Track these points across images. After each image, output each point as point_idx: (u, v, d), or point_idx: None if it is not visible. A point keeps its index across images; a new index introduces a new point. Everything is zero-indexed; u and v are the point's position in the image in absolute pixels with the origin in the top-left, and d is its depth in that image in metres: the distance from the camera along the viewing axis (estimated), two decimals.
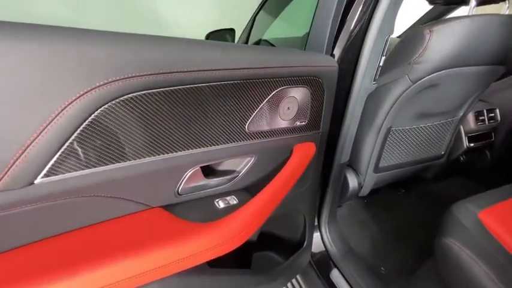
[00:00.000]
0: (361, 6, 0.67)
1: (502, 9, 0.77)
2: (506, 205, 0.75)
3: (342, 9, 0.65)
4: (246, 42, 1.60)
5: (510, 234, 0.68)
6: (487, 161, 1.27)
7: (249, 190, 0.59)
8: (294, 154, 0.60)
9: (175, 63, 0.40)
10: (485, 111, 1.13)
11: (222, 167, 0.57)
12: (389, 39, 0.71)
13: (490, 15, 0.74)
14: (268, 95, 0.51)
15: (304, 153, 0.62)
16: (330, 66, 0.59)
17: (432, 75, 0.75)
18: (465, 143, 1.14)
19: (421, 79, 0.75)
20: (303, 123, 0.59)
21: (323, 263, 0.96)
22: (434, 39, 0.69)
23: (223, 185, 0.56)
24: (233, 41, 1.55)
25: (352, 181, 1.00)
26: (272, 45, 1.53)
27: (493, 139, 1.21)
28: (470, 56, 0.75)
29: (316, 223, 0.99)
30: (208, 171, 0.53)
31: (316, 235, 0.99)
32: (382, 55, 0.72)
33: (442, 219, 0.75)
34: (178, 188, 0.49)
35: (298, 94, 0.55)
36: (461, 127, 1.13)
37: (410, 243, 1.08)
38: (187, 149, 0.46)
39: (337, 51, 0.73)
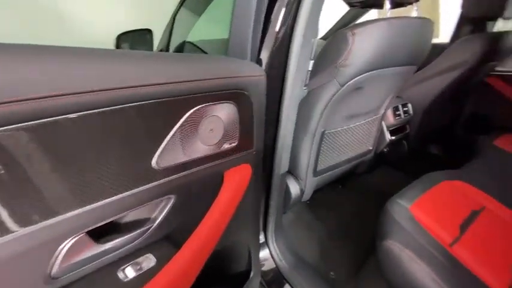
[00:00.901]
0: (284, 8, 0.62)
1: (412, 12, 0.82)
2: (429, 195, 0.81)
3: (264, 10, 0.58)
4: (167, 44, 1.43)
5: (439, 225, 0.72)
6: (405, 150, 1.42)
7: (172, 239, 0.46)
8: (227, 183, 0.50)
9: (44, 83, 0.26)
10: (400, 106, 1.24)
11: (125, 219, 0.42)
12: (315, 42, 0.67)
13: (403, 18, 0.78)
14: (181, 118, 0.39)
15: (238, 179, 0.52)
16: (256, 75, 0.51)
17: (358, 77, 0.75)
18: (387, 136, 1.23)
19: (348, 82, 0.75)
20: (233, 144, 0.50)
21: (275, 282, 0.90)
22: (357, 42, 0.68)
23: (132, 243, 0.42)
24: (151, 43, 1.36)
25: (294, 188, 0.97)
26: (198, 47, 1.40)
27: (408, 131, 1.35)
28: (390, 57, 0.78)
29: (263, 239, 0.92)
30: (103, 230, 0.38)
31: (265, 252, 0.92)
32: (310, 59, 0.68)
33: (378, 218, 0.77)
34: (51, 270, 0.33)
35: (222, 112, 0.45)
36: (383, 122, 1.22)
37: (354, 240, 1.11)
38: (61, 214, 0.31)
39: (264, 57, 0.66)
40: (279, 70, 0.67)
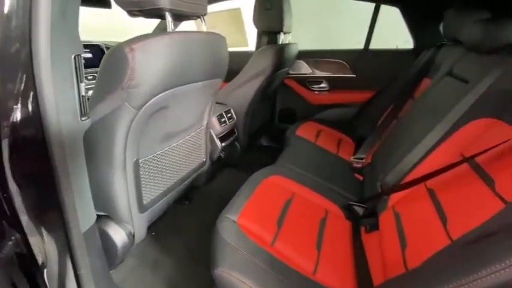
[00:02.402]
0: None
1: (202, 26, 0.81)
2: (252, 200, 0.86)
3: None
4: None
5: (261, 228, 0.77)
6: (238, 151, 1.53)
7: None
8: None
9: None
10: (224, 113, 1.30)
11: None
12: (81, 60, 0.51)
13: (193, 33, 0.75)
14: None
15: None
16: None
17: (155, 98, 0.66)
18: (218, 144, 1.26)
19: (145, 104, 0.64)
20: None
21: None
22: (139, 59, 0.58)
23: None
24: None
25: (118, 235, 0.78)
26: None
27: (236, 133, 1.45)
28: (188, 74, 0.73)
29: None
30: None
31: None
32: (79, 82, 0.52)
33: (210, 242, 0.73)
34: None
35: None
36: (212, 131, 1.23)
37: (202, 265, 1.06)
38: None
39: None
40: (24, 102, 0.47)
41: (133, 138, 0.69)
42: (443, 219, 0.60)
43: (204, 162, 1.16)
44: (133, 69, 0.57)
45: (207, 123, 1.08)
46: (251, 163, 1.78)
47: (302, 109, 1.99)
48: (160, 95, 0.66)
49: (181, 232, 1.18)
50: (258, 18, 1.40)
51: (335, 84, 1.86)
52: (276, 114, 2.06)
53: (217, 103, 1.40)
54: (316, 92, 1.92)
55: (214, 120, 1.23)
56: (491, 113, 0.67)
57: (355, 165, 1.35)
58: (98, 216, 0.71)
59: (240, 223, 0.76)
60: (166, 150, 0.86)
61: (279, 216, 0.83)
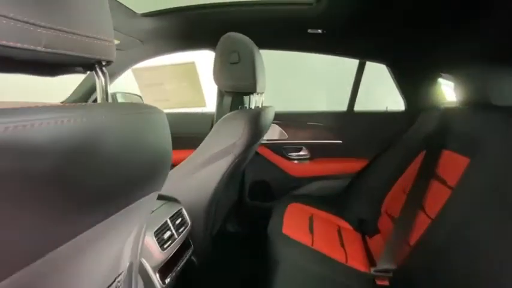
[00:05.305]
0: None
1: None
2: None
3: None
4: None
5: None
6: (196, 266, 0.96)
7: None
8: None
9: None
10: (168, 221, 0.76)
11: None
12: None
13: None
14: None
15: None
16: None
17: None
18: (158, 284, 0.69)
19: None
20: None
21: None
22: None
23: None
24: None
25: None
26: None
27: (192, 245, 0.90)
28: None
29: None
30: None
31: None
32: None
33: None
34: None
35: None
36: (145, 263, 0.67)
37: None
38: None
39: None
40: None
41: None
42: None
43: None
44: None
45: (130, 264, 0.53)
46: (213, 274, 1.21)
47: (278, 182, 1.56)
48: None
49: None
50: (221, 75, 0.99)
51: (317, 151, 1.51)
52: (245, 190, 1.58)
53: (160, 198, 0.87)
54: (295, 161, 1.53)
55: (150, 242, 0.68)
56: None
57: (379, 283, 0.89)
58: None
59: None
60: None
61: None
